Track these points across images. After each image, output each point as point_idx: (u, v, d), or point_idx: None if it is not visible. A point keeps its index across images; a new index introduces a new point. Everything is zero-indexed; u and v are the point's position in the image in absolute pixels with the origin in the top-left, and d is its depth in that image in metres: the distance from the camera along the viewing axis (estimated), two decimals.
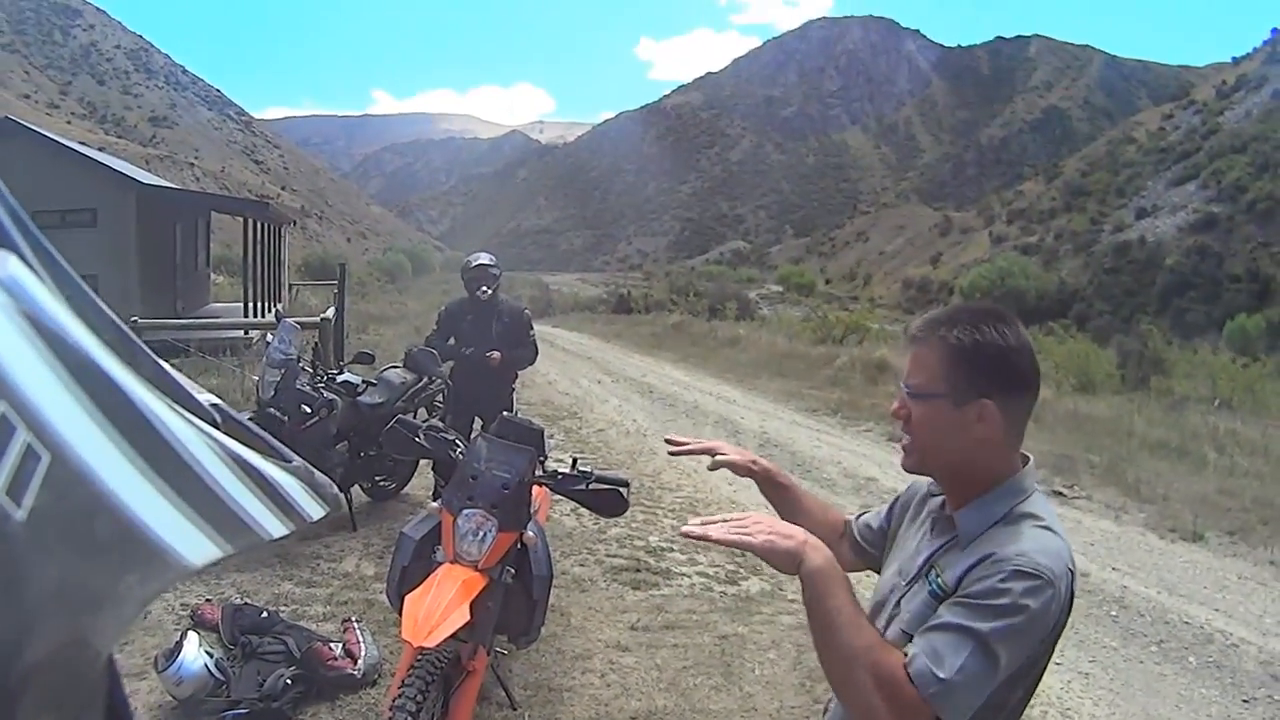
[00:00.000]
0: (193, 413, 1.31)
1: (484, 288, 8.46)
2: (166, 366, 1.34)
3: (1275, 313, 54.85)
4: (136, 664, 5.78)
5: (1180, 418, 17.85)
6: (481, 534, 4.39)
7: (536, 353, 8.85)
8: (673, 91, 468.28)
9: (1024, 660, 1.89)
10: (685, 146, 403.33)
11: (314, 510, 1.53)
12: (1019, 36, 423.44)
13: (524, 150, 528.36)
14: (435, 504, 4.85)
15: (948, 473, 2.11)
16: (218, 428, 1.36)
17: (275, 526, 1.39)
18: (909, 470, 2.17)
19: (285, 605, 6.68)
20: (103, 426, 1.11)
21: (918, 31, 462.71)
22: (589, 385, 19.59)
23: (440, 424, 5.56)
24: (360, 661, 5.50)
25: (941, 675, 1.78)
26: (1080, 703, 6.12)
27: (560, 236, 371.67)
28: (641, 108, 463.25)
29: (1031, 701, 5.57)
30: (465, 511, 4.44)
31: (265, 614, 6.07)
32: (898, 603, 2.17)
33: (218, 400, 1.47)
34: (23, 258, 1.12)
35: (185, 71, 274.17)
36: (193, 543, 1.20)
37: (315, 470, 1.60)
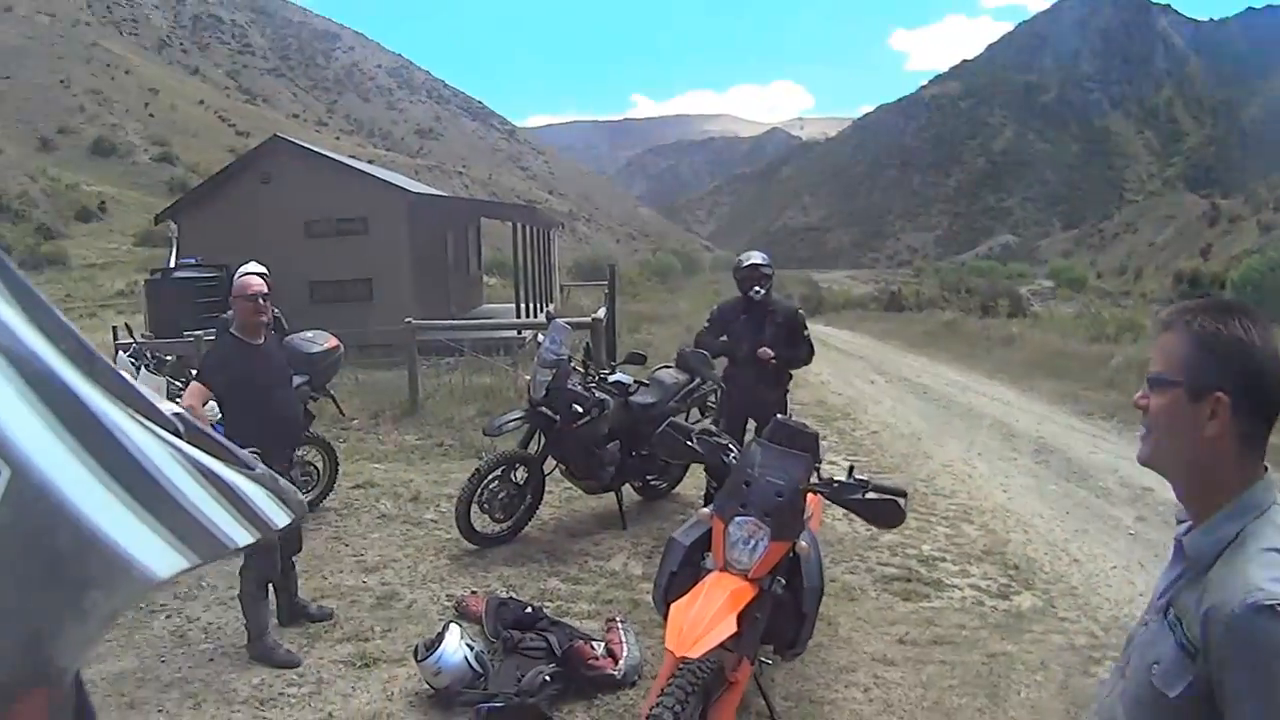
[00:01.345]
0: (155, 422, 1.31)
1: (756, 288, 8.24)
2: (127, 376, 1.33)
3: None
4: (397, 650, 5.94)
5: None
6: (753, 543, 4.29)
7: (812, 352, 8.49)
8: (930, 82, 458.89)
9: None
10: (947, 138, 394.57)
11: (280, 518, 1.55)
12: (1269, 6, 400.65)
13: (785, 148, 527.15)
14: (706, 510, 4.77)
15: (1177, 474, 1.97)
16: (180, 437, 1.37)
17: (241, 535, 1.42)
18: (1141, 461, 2.03)
19: (550, 601, 6.74)
20: (63, 439, 1.11)
21: (1168, 6, 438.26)
22: (862, 385, 19.25)
23: (713, 428, 5.48)
24: (621, 662, 5.46)
25: None
26: None
27: (827, 234, 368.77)
28: (899, 100, 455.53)
29: None
30: (737, 519, 4.34)
31: (529, 609, 6.10)
32: (1140, 640, 2.02)
33: (181, 409, 1.47)
34: None
35: (447, 86, 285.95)
36: (158, 554, 1.21)
37: (279, 477, 1.62)
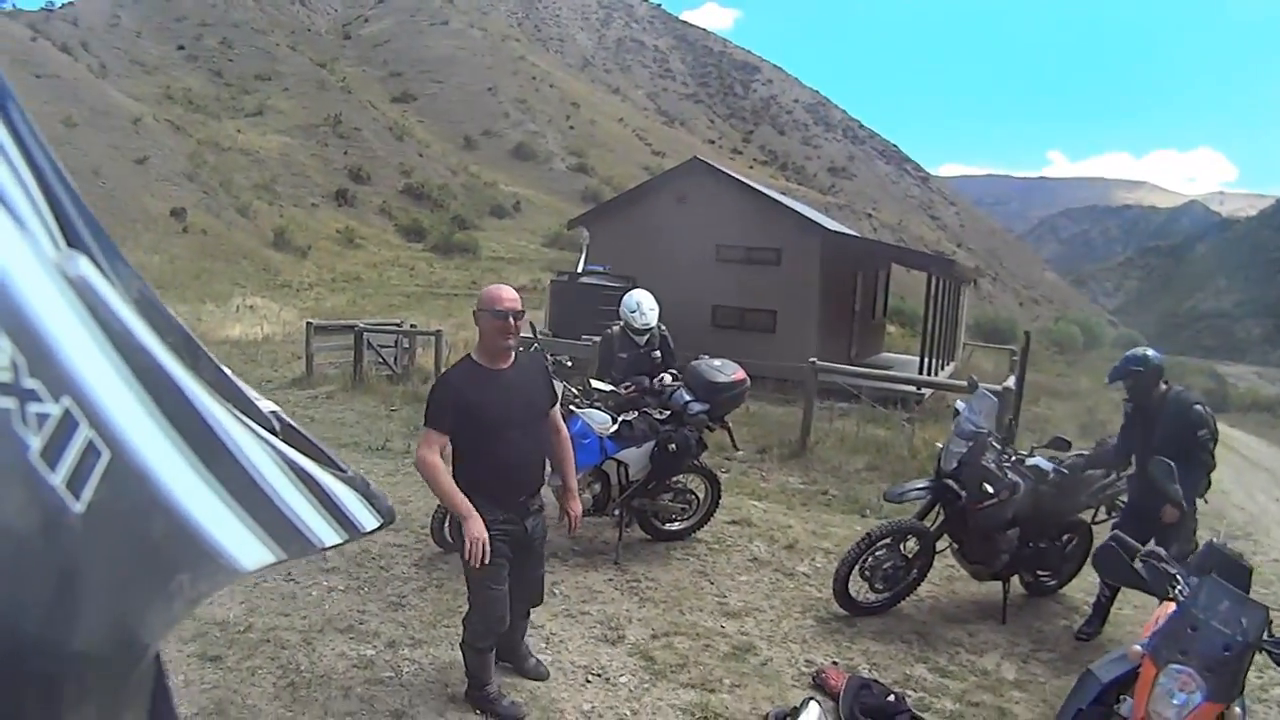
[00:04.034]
0: (252, 419, 1.34)
1: (1127, 400, 7.70)
2: (228, 371, 1.36)
3: None
4: (742, 710, 5.71)
5: None
6: (1184, 697, 3.79)
7: (1205, 468, 7.36)
8: None
9: None
10: None
11: (369, 521, 1.62)
12: None
13: (1203, 223, 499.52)
14: (1137, 648, 4.24)
15: None
16: (276, 435, 1.40)
17: (329, 535, 1.50)
18: None
19: (913, 690, 6.32)
20: (163, 427, 1.16)
21: None
22: (1266, 501, 17.66)
23: (1160, 551, 4.83)
24: None
25: None
26: None
27: (1238, 322, 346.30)
28: None
29: None
30: (1173, 666, 3.85)
31: (892, 697, 5.78)
32: None
33: (277, 408, 1.49)
34: (94, 259, 1.17)
35: (862, 126, 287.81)
36: (246, 546, 1.29)
37: (371, 482, 1.66)
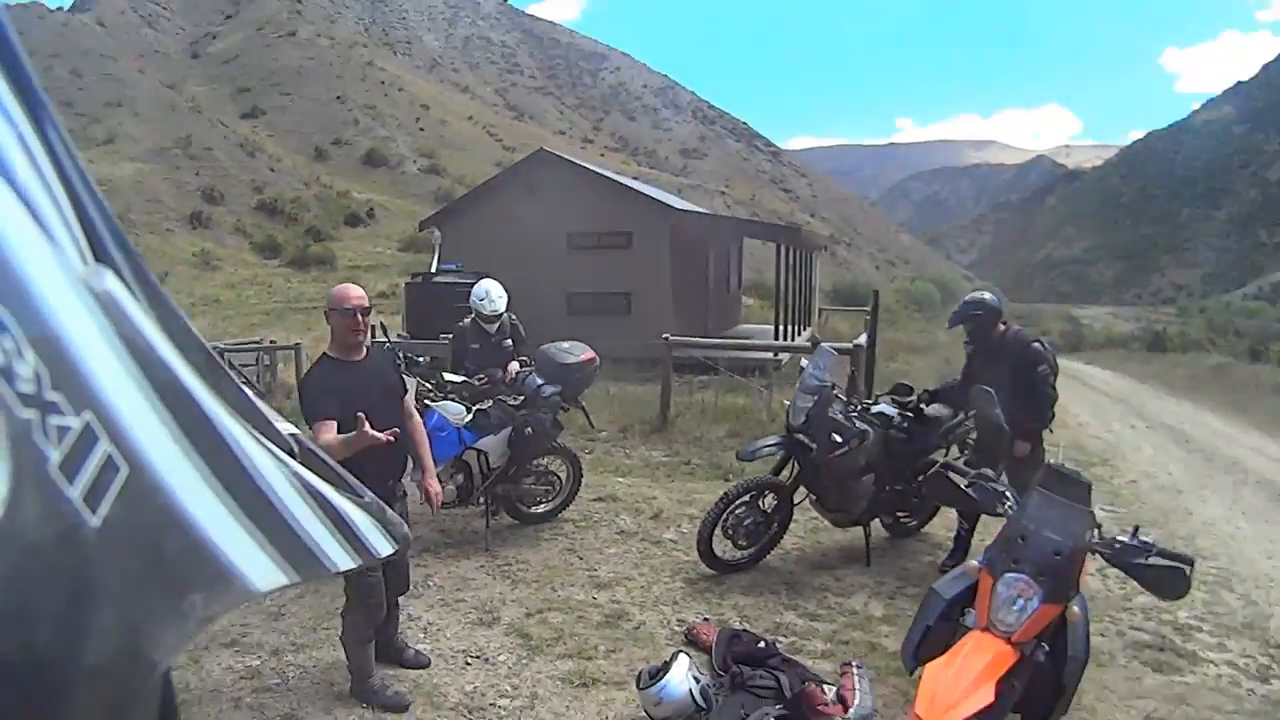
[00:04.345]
0: (271, 440, 1.37)
1: (967, 342, 8.22)
2: (249, 392, 1.38)
3: None
4: (619, 673, 5.86)
5: None
6: (1022, 603, 4.07)
7: (1050, 403, 7.85)
8: (1202, 106, 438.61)
9: None
10: (1218, 167, 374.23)
11: (384, 547, 1.65)
12: None
13: (1050, 176, 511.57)
14: (974, 563, 4.52)
15: None
16: (294, 457, 1.43)
17: (343, 559, 1.53)
18: None
19: (784, 636, 6.57)
20: (182, 445, 1.17)
21: None
22: (1121, 430, 18.41)
23: (989, 472, 5.15)
24: (852, 711, 5.16)
25: None
26: None
27: (1089, 267, 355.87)
28: (1170, 126, 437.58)
29: None
30: (1008, 575, 4.13)
31: (763, 644, 5.90)
32: None
33: (296, 430, 1.53)
34: (120, 275, 1.19)
35: (711, 106, 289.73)
36: (260, 568, 1.28)
37: (388, 508, 1.69)
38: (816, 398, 7.79)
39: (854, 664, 5.73)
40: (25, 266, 0.99)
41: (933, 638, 4.26)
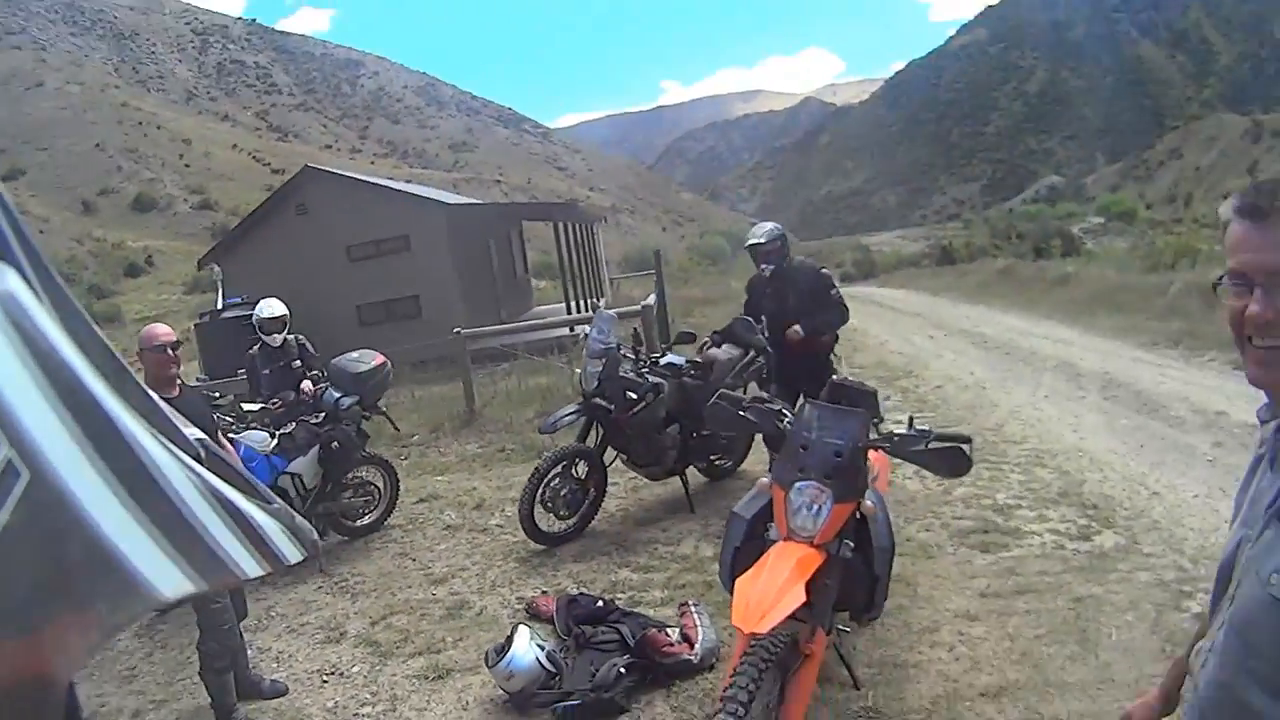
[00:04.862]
0: (178, 445, 1.34)
1: (762, 266, 8.39)
2: (154, 396, 1.37)
3: None
4: (470, 659, 5.90)
5: None
6: (816, 507, 4.16)
7: (845, 312, 8.42)
8: (957, 32, 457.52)
9: None
10: (981, 86, 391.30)
11: (292, 554, 1.60)
12: None
13: (821, 116, 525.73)
14: (765, 480, 4.62)
15: None
16: (201, 463, 1.40)
17: (251, 566, 1.45)
18: (1271, 384, 1.74)
19: (622, 592, 6.67)
20: (85, 450, 1.12)
21: None
22: (921, 342, 19.08)
23: (765, 395, 5.33)
24: (698, 646, 5.35)
25: None
26: None
27: (873, 196, 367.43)
28: (929, 54, 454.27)
29: None
30: (797, 484, 4.22)
31: (600, 603, 6.05)
32: (1247, 558, 1.81)
33: (203, 435, 1.54)
34: (23, 274, 1.15)
35: (475, 97, 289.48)
36: (166, 575, 1.22)
37: (296, 515, 1.65)
38: (605, 360, 7.94)
39: (691, 604, 5.87)
40: None
41: (742, 557, 4.38)
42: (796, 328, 8.09)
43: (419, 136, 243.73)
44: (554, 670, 5.19)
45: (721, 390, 5.25)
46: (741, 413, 4.90)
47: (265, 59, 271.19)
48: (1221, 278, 1.73)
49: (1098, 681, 4.98)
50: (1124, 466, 8.66)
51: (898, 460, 4.75)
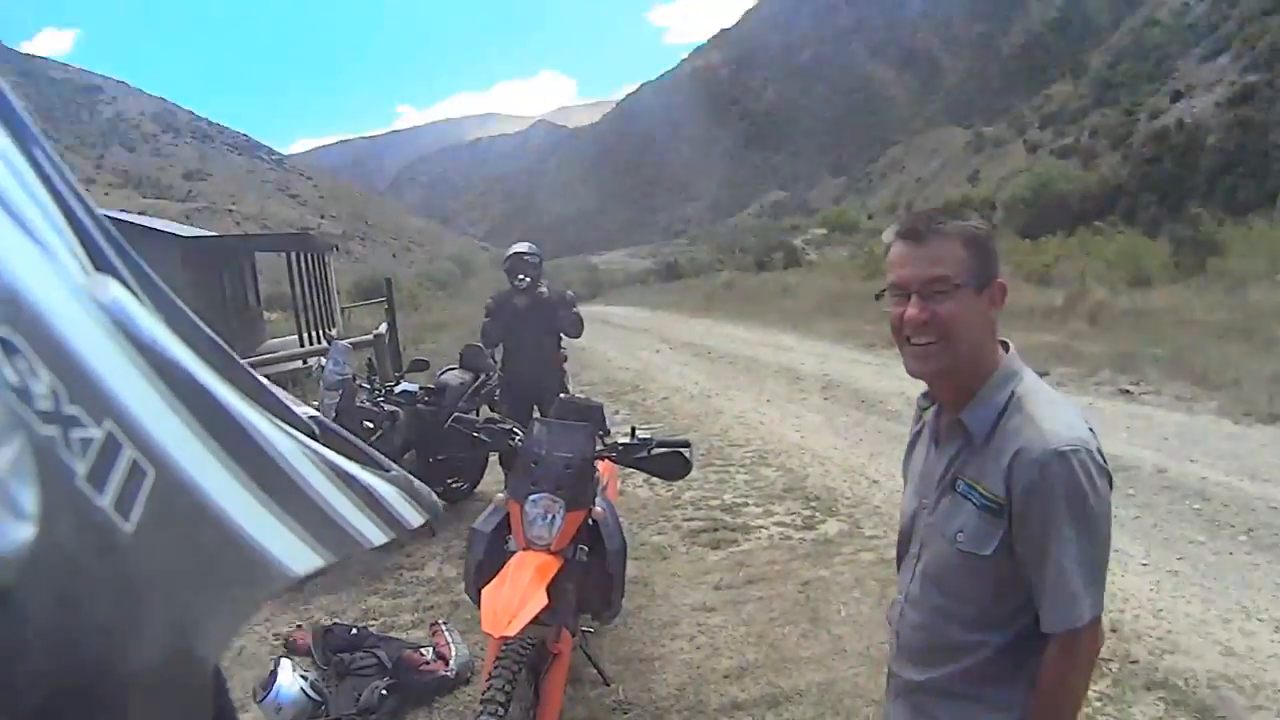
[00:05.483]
0: (291, 425, 1.36)
1: (521, 275, 8.50)
2: (265, 381, 1.38)
3: None
4: (236, 698, 5.86)
5: (1243, 298, 17.71)
6: (550, 516, 4.37)
7: (581, 325, 8.76)
8: (690, 54, 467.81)
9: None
10: (711, 106, 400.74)
11: (414, 518, 1.60)
12: None
13: (552, 138, 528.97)
14: (501, 495, 4.84)
15: (963, 367, 2.13)
16: (316, 439, 1.41)
17: (375, 534, 1.47)
18: (933, 372, 2.17)
19: (374, 619, 6.75)
20: (205, 441, 1.15)
21: None
22: (648, 356, 19.60)
23: (498, 415, 5.54)
24: (452, 662, 5.52)
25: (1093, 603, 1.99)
26: (1172, 602, 5.97)
27: (602, 216, 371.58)
28: (661, 76, 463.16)
29: (1122, 607, 5.39)
30: (531, 497, 4.42)
31: (355, 630, 6.11)
32: (928, 524, 2.26)
33: (316, 413, 1.50)
34: (123, 281, 1.16)
35: (210, 123, 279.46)
36: (295, 552, 1.25)
37: (415, 479, 1.65)
38: (340, 391, 8.04)
39: (442, 623, 6.03)
40: (28, 286, 0.98)
41: (485, 570, 4.53)
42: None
43: (153, 165, 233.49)
44: (320, 699, 5.24)
45: (456, 414, 5.41)
46: (476, 434, 5.07)
47: (6, 83, 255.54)
48: (884, 291, 2.15)
49: (831, 654, 5.40)
50: (844, 460, 9.29)
51: (628, 470, 5.03)
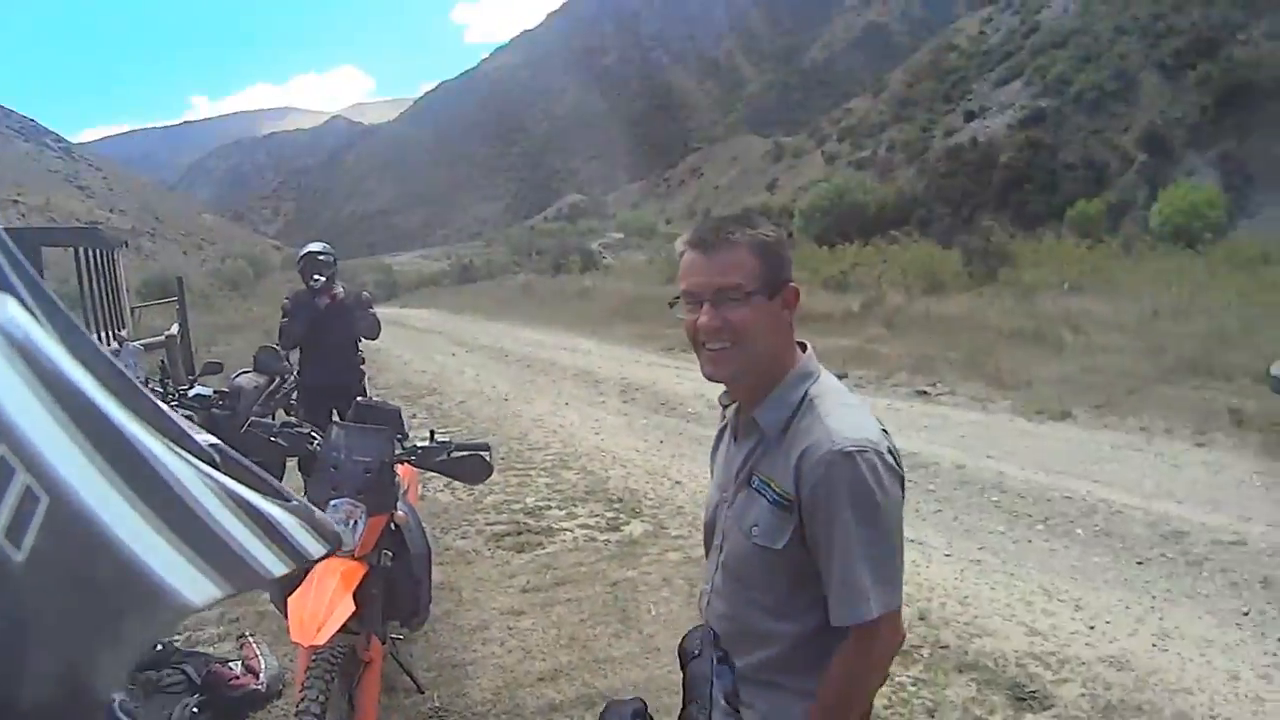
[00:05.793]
0: (191, 453, 1.32)
1: (316, 275, 8.41)
2: (165, 407, 1.34)
3: (1113, 195, 55.61)
4: None
5: (1032, 305, 18.55)
6: (352, 522, 4.36)
7: (379, 326, 8.72)
8: (491, 54, 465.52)
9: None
10: (510, 108, 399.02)
11: (315, 548, 1.57)
12: None
13: (348, 135, 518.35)
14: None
15: (760, 368, 2.24)
16: (217, 468, 1.38)
17: (276, 565, 1.43)
18: (729, 377, 2.28)
19: (178, 634, 6.55)
20: (101, 468, 1.12)
21: None
22: (444, 360, 19.63)
23: (295, 420, 5.50)
24: (263, 675, 5.46)
25: (883, 598, 2.06)
26: (976, 589, 6.34)
27: (396, 216, 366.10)
28: (461, 76, 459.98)
29: (929, 595, 5.73)
30: (333, 502, 4.40)
31: (159, 647, 5.85)
32: (727, 516, 2.36)
33: (217, 440, 1.48)
34: (21, 300, 1.14)
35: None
36: (193, 582, 1.22)
37: (315, 510, 1.62)
38: None
39: (249, 635, 5.97)
40: None
41: (290, 580, 4.50)
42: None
43: None
44: None
45: (252, 418, 5.34)
46: (273, 439, 5.00)
47: None
48: (677, 298, 2.27)
49: (644, 652, 5.56)
50: (646, 462, 9.51)
51: (429, 474, 5.08)
